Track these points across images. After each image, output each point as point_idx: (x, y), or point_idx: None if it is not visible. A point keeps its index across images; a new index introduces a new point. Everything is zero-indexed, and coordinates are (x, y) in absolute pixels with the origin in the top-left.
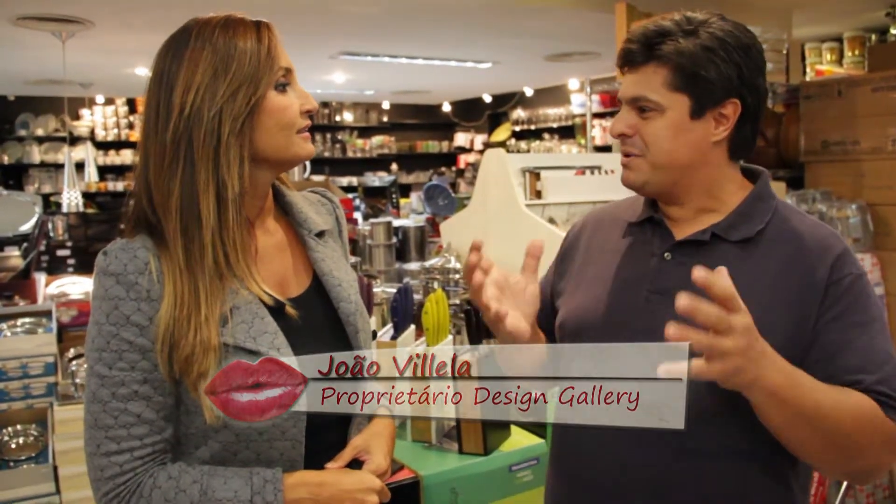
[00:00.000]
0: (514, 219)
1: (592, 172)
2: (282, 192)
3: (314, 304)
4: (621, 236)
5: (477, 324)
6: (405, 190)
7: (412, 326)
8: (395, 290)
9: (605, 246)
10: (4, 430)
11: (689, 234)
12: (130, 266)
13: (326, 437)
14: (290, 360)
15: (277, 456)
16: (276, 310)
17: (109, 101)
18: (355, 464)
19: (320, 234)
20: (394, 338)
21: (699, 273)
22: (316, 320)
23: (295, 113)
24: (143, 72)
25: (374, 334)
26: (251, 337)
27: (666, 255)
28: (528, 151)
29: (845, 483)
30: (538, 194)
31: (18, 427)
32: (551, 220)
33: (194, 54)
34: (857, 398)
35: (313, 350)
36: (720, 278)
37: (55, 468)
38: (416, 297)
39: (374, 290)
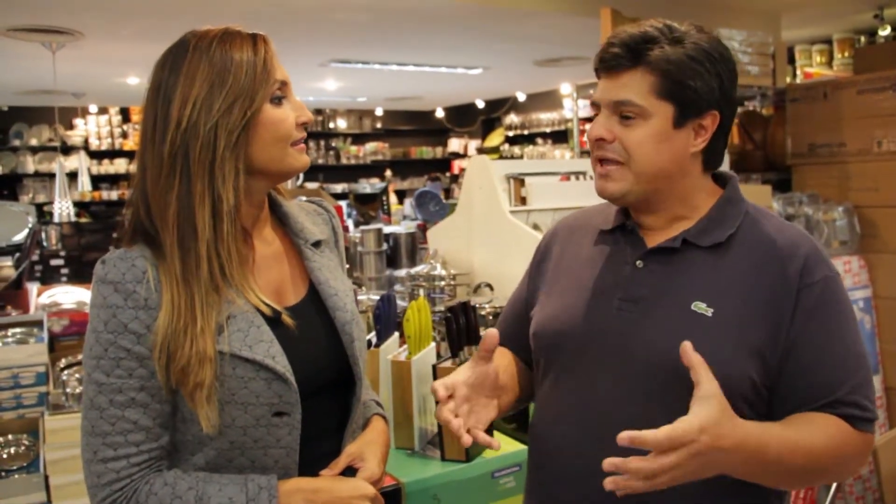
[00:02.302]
0: (499, 225)
1: (577, 178)
2: (278, 202)
3: (310, 313)
4: (593, 244)
5: (458, 331)
6: (400, 196)
7: (395, 334)
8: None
9: (578, 254)
10: None
11: (660, 241)
12: (129, 275)
13: (321, 445)
14: (286, 369)
15: (272, 463)
16: (273, 319)
17: (103, 111)
18: (350, 471)
19: (317, 244)
20: (377, 345)
21: (623, 436)
22: (312, 329)
23: (290, 125)
24: (136, 81)
25: (370, 343)
26: (247, 345)
27: (638, 262)
28: (522, 156)
29: (834, 485)
30: (523, 200)
31: (10, 437)
32: (535, 227)
33: (191, 68)
34: (826, 430)
35: (309, 358)
36: (650, 436)
37: (46, 478)
38: (403, 304)
39: (360, 297)
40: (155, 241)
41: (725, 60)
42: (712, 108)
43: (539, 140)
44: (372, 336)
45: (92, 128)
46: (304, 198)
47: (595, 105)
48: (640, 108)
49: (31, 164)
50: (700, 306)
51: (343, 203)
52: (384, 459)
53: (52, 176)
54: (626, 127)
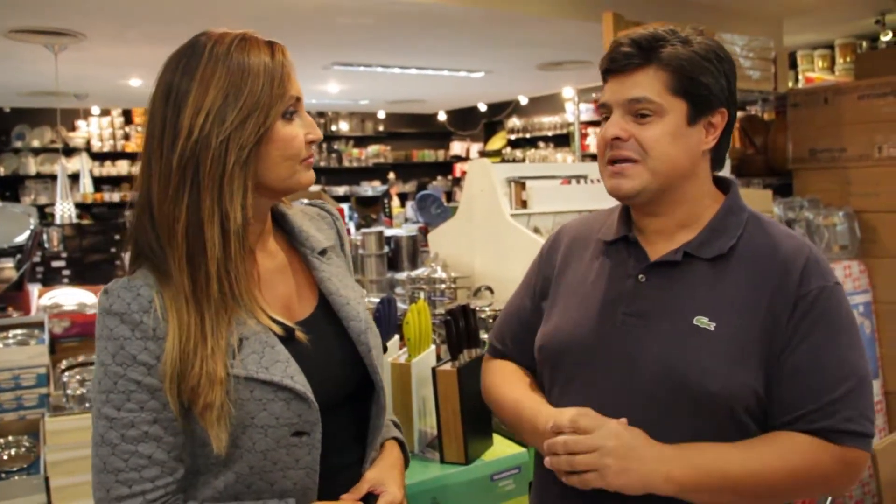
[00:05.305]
0: (499, 228)
1: (578, 182)
2: (280, 210)
3: (323, 326)
4: (595, 256)
5: (457, 334)
6: (402, 199)
7: (396, 336)
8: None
9: (580, 266)
10: None
11: (662, 253)
12: (134, 305)
13: (339, 458)
14: (305, 388)
15: (290, 486)
16: (286, 336)
17: (105, 113)
18: (370, 497)
19: (323, 252)
20: None
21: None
22: (326, 342)
23: (301, 144)
24: (138, 83)
25: (385, 349)
26: (263, 367)
27: (640, 277)
28: (524, 160)
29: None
30: (524, 204)
31: (10, 438)
32: (536, 230)
33: (206, 74)
34: (791, 445)
35: (326, 374)
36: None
37: (47, 479)
38: (403, 307)
39: None
40: (159, 258)
41: (729, 60)
42: (721, 106)
43: (541, 143)
44: None
45: (94, 129)
46: (305, 200)
47: (604, 107)
48: (656, 104)
49: (32, 166)
50: (702, 321)
51: (345, 206)
52: (403, 484)
53: (53, 177)
54: (641, 125)
